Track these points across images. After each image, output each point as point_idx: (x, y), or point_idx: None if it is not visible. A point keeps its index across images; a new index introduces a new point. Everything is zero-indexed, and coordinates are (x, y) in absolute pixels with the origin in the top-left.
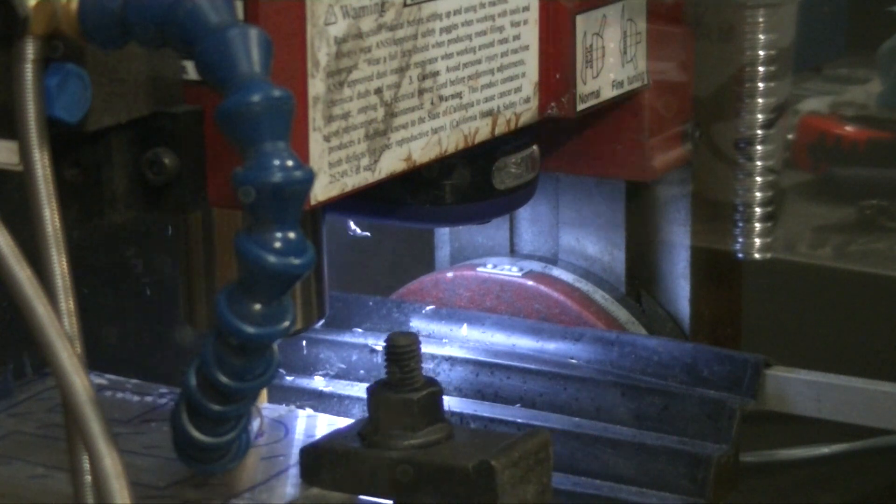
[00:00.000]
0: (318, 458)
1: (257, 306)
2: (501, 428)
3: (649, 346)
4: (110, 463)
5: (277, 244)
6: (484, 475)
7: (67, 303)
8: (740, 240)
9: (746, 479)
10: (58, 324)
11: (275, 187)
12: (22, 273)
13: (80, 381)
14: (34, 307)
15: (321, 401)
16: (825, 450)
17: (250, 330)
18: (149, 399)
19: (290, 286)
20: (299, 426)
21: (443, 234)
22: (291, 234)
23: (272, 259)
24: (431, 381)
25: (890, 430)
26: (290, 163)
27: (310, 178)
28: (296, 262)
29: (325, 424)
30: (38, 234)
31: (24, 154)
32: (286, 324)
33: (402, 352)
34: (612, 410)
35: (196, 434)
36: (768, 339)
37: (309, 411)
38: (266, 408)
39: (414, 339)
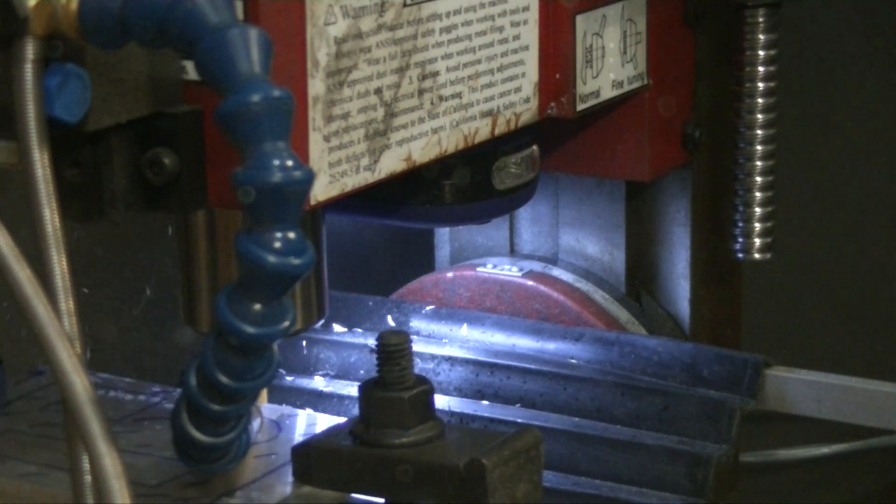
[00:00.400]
0: (310, 456)
1: (257, 306)
2: (501, 428)
3: (649, 346)
4: (110, 462)
5: (277, 244)
6: (475, 473)
7: (67, 303)
8: (740, 240)
9: (746, 479)
10: (58, 324)
11: (274, 187)
12: (22, 273)
13: (80, 381)
14: (34, 307)
15: (321, 401)
16: (825, 450)
17: (250, 330)
18: (142, 398)
19: (289, 286)
20: (296, 425)
21: (443, 234)
22: (291, 234)
23: (272, 259)
24: (423, 380)
25: (890, 430)
26: (289, 163)
27: (310, 178)
28: (295, 262)
29: (322, 424)
30: (38, 234)
31: (24, 154)
32: (286, 324)
33: (394, 350)
34: (612, 410)
35: (196, 434)
36: (768, 339)
37: (309, 411)
38: (266, 408)
39: (405, 337)
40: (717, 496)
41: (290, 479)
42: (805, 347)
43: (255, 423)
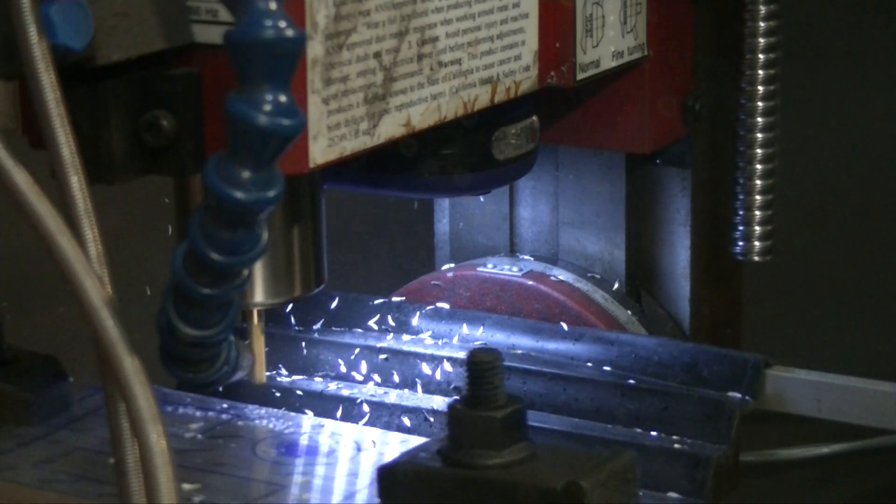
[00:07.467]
0: (396, 477)
1: (246, 173)
2: None
3: (649, 346)
4: (145, 405)
5: (267, 106)
6: (573, 496)
7: (93, 230)
8: (740, 243)
9: (746, 479)
10: (84, 258)
11: (266, 44)
12: (42, 207)
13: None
14: (58, 241)
15: (321, 402)
16: (825, 450)
17: (239, 195)
18: (211, 414)
19: (279, 149)
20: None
21: (443, 235)
22: (282, 97)
23: (262, 119)
24: (514, 398)
25: (890, 430)
26: (282, 23)
27: (301, 39)
28: (286, 122)
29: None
30: (54, 154)
31: (32, 80)
32: (274, 192)
33: (485, 368)
34: (611, 411)
35: (183, 326)
36: (768, 339)
37: (310, 414)
38: (271, 412)
39: (496, 355)
40: (717, 496)
41: (375, 500)
42: (805, 347)
43: (247, 360)
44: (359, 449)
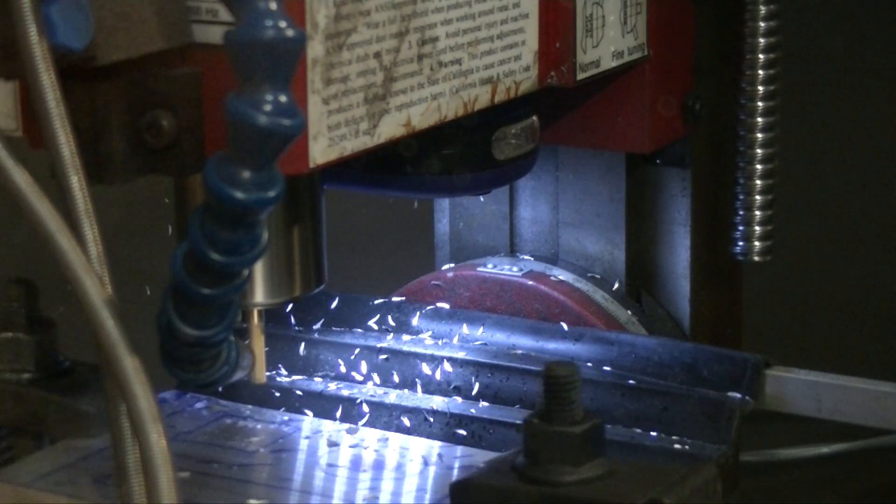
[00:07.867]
0: (470, 494)
1: (246, 173)
2: (500, 429)
3: (649, 346)
4: (146, 405)
5: (268, 106)
6: None
7: (93, 230)
8: (740, 243)
9: (746, 479)
10: (84, 258)
11: (266, 45)
12: (42, 207)
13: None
14: (57, 241)
15: (321, 402)
16: (825, 450)
17: (239, 195)
18: (273, 427)
19: (279, 149)
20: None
21: (443, 235)
22: (282, 97)
23: (262, 119)
24: (592, 413)
25: (890, 430)
26: (282, 23)
27: (301, 39)
28: (286, 122)
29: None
30: (54, 154)
31: (33, 82)
32: (274, 192)
33: (562, 382)
34: (611, 411)
35: (183, 326)
36: (768, 339)
37: (310, 415)
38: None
39: (574, 369)
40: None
41: None
42: (805, 347)
43: (247, 360)
44: (426, 463)
